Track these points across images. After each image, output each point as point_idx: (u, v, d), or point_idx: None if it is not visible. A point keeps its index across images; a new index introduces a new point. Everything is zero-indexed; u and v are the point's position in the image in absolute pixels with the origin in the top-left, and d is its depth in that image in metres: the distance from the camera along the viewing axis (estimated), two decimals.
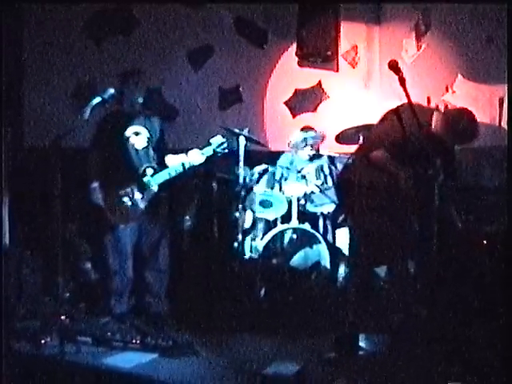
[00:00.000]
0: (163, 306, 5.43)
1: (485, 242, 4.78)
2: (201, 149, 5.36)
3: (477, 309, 4.52)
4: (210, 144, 5.38)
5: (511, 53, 5.40)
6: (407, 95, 4.01)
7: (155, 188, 5.27)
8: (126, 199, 5.23)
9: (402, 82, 3.97)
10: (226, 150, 5.45)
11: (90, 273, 6.03)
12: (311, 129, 6.82)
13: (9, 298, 4.35)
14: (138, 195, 5.24)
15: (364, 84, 7.75)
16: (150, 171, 5.30)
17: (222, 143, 5.40)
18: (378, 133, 4.97)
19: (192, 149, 5.38)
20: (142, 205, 5.25)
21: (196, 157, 5.34)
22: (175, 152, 5.46)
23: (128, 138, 5.32)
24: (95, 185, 5.25)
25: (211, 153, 5.37)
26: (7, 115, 5.21)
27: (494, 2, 5.99)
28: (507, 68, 5.53)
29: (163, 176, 5.30)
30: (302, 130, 6.85)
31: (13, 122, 6.65)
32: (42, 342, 4.55)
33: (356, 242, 5.05)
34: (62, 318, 4.68)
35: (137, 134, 5.35)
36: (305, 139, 6.61)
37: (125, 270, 5.34)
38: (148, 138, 5.39)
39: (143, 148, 5.35)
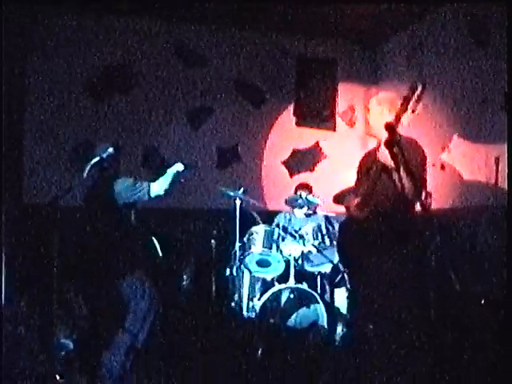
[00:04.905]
0: (159, 366, 5.37)
1: (482, 301, 4.77)
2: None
3: (477, 366, 4.48)
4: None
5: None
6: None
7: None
8: None
9: (398, 143, 3.96)
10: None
11: (86, 332, 5.98)
12: (306, 187, 6.85)
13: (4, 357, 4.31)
14: None
15: (361, 143, 7.81)
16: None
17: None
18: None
19: None
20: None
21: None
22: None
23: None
24: None
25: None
26: (7, 173, 5.24)
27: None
28: (507, 127, 5.58)
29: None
30: (298, 187, 6.89)
31: (12, 179, 6.67)
32: None
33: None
34: (57, 377, 4.62)
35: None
36: (299, 202, 6.59)
37: (120, 330, 5.29)
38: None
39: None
